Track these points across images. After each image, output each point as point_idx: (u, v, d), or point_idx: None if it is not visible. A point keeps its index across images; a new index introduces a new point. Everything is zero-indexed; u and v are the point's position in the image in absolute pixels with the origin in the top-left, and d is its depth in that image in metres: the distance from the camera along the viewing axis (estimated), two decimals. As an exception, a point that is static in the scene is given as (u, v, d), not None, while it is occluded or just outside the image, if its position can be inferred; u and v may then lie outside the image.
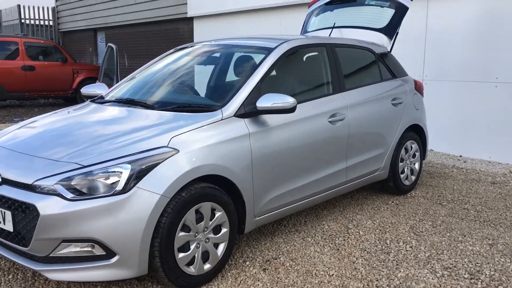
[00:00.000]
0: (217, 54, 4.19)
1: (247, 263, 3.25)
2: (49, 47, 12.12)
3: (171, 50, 4.40)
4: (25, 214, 2.56)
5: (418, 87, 4.99)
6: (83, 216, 2.49)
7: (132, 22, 13.27)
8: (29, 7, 17.68)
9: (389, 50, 4.89)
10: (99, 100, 3.86)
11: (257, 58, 3.62)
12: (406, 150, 4.74)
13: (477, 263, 3.27)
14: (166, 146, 2.77)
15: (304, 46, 3.93)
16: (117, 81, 5.51)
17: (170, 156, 2.72)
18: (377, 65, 4.61)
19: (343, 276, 3.07)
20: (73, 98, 12.17)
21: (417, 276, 3.07)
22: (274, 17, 9.08)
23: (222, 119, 3.07)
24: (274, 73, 3.69)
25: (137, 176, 2.58)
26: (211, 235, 2.92)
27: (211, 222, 2.90)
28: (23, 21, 17.67)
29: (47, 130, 3.22)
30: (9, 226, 2.65)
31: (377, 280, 3.02)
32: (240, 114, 3.16)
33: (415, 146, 4.85)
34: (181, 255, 2.75)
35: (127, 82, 4.08)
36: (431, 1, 6.64)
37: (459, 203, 4.56)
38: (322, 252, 3.43)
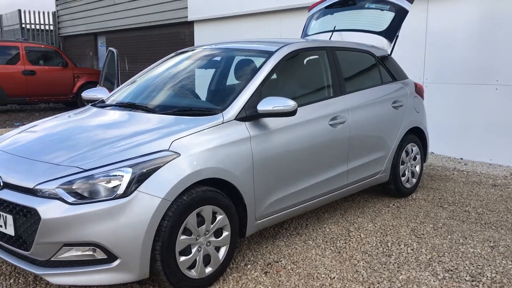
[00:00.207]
0: (218, 58, 4.20)
1: (249, 266, 3.24)
2: (50, 51, 12.15)
3: (172, 54, 4.41)
4: (27, 218, 2.57)
5: (419, 90, 5.00)
6: (84, 220, 2.49)
7: (132, 26, 13.30)
8: (29, 12, 17.74)
9: (389, 53, 4.90)
10: (100, 104, 3.87)
11: (258, 61, 3.63)
12: (407, 153, 4.74)
13: (479, 265, 3.27)
14: (167, 150, 2.77)
15: (305, 50, 3.94)
16: (118, 85, 5.52)
17: (171, 160, 2.72)
18: (378, 68, 4.62)
19: (345, 279, 3.06)
20: (74, 103, 12.19)
21: (418, 279, 3.07)
22: (275, 21, 9.10)
23: (223, 123, 3.07)
24: (274, 76, 3.70)
25: (138, 180, 2.58)
26: (213, 239, 2.92)
27: (212, 226, 2.90)
28: (23, 25, 17.73)
29: (48, 134, 3.23)
30: (10, 230, 2.65)
31: (378, 283, 3.02)
32: (241, 117, 3.16)
33: (415, 148, 4.85)
34: (182, 258, 2.75)
35: (128, 86, 4.09)
36: (431, 4, 6.65)
37: (460, 206, 4.56)
38: (323, 255, 3.42)
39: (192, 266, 2.82)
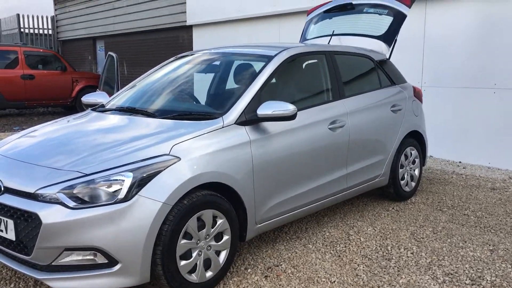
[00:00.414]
0: (217, 62, 4.21)
1: (249, 270, 3.25)
2: (49, 55, 12.16)
3: (172, 59, 4.43)
4: (28, 222, 2.57)
5: (417, 94, 5.02)
6: (85, 224, 2.50)
7: (131, 30, 13.33)
8: (28, 16, 17.76)
9: (388, 57, 4.92)
10: (100, 108, 3.87)
11: (257, 66, 3.64)
12: (406, 157, 4.75)
13: (478, 269, 3.28)
14: (168, 154, 2.78)
15: (304, 54, 3.96)
16: (118, 90, 5.52)
17: (172, 164, 2.73)
18: (376, 72, 4.64)
19: (345, 283, 3.07)
20: (73, 107, 12.19)
21: (418, 283, 3.08)
22: (273, 25, 9.12)
23: (223, 127, 3.08)
24: (274, 80, 3.71)
25: (139, 184, 2.59)
26: (213, 243, 2.93)
27: (212, 230, 2.90)
28: (22, 30, 17.73)
29: (48, 138, 3.23)
30: (11, 235, 2.65)
31: (378, 287, 3.02)
32: (241, 121, 3.17)
33: (414, 152, 4.87)
34: (183, 262, 2.76)
35: (127, 90, 4.10)
36: (429, 8, 6.68)
37: (459, 209, 4.57)
38: (323, 259, 3.43)
39: (192, 270, 2.83)
